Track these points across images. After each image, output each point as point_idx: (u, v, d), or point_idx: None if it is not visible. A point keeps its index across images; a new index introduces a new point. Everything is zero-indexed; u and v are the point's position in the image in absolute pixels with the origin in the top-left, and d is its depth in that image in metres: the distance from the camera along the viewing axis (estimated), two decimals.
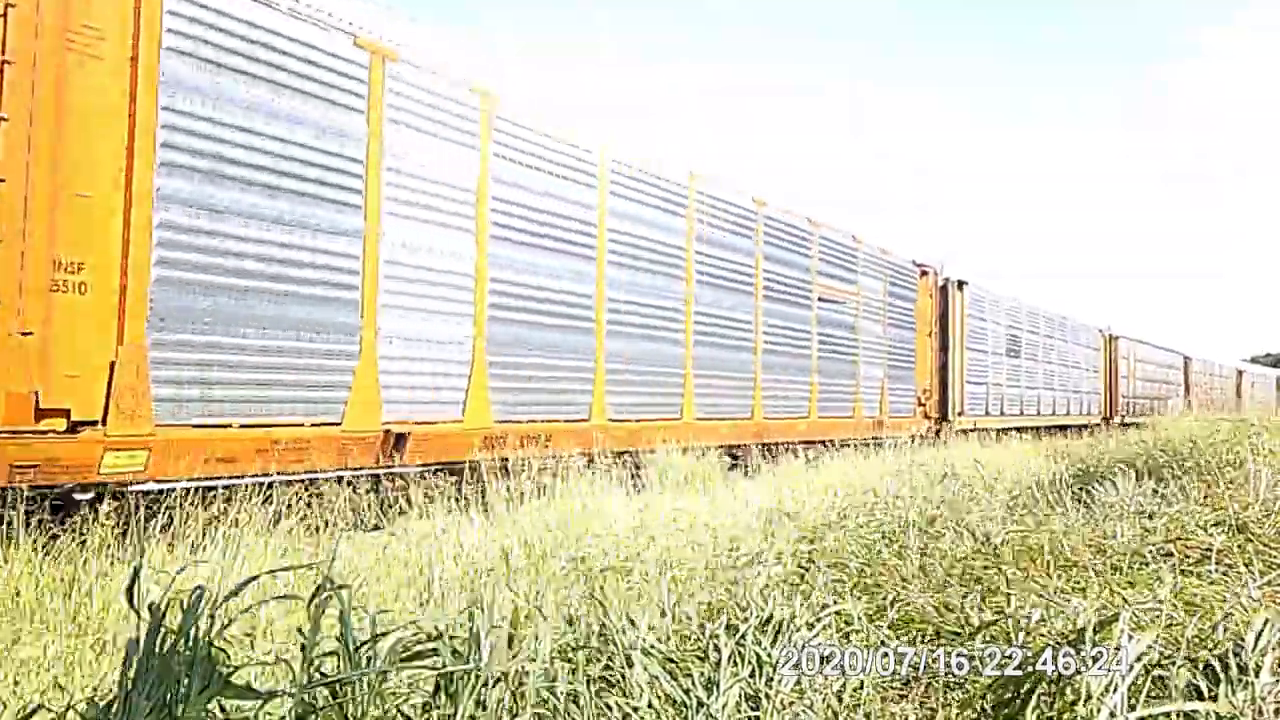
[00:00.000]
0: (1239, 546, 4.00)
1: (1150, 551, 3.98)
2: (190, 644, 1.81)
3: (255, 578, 2.30)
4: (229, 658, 1.95)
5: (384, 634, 2.18)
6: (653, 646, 2.58)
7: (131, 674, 1.77)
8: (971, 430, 18.20)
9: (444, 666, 2.11)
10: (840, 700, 2.52)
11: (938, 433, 16.28)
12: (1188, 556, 3.88)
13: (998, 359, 19.65)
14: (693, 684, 2.45)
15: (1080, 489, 6.26)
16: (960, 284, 17.70)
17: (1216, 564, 3.74)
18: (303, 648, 1.92)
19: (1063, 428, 23.33)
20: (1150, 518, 4.75)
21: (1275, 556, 3.90)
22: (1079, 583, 3.60)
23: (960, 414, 17.51)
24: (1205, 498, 5.23)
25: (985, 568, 3.80)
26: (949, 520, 4.82)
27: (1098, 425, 27.48)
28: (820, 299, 12.37)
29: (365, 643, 2.08)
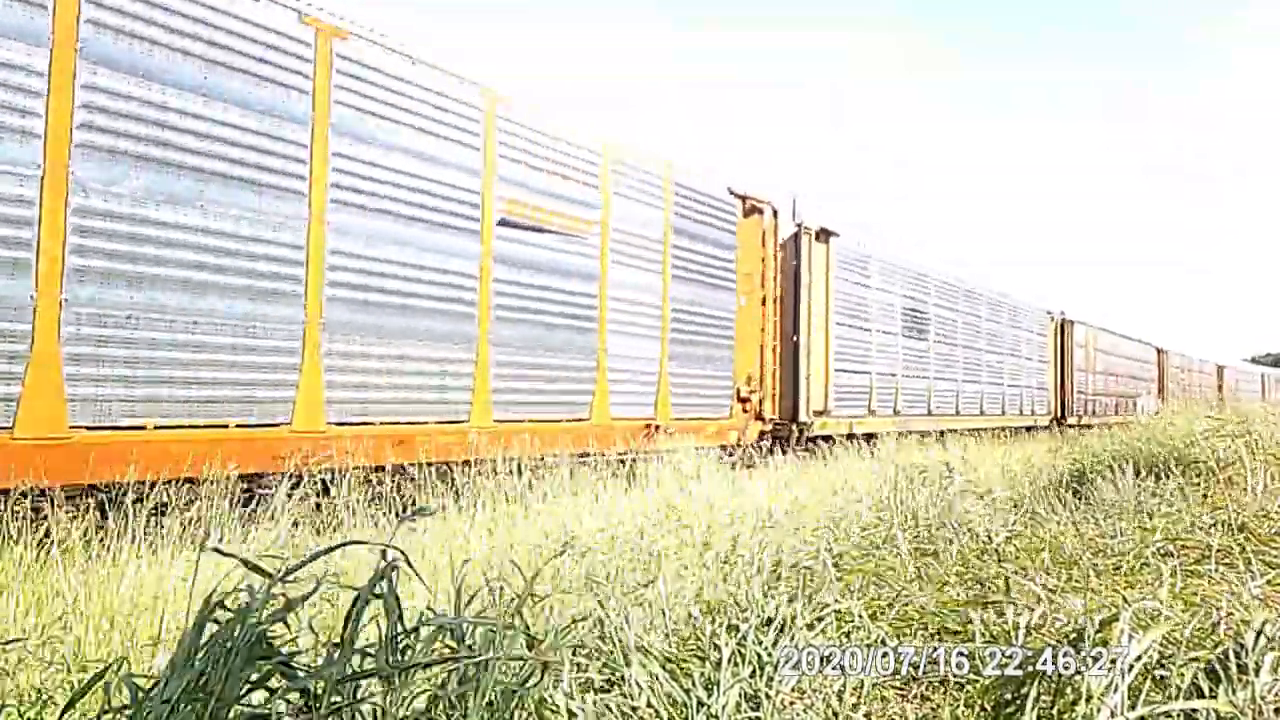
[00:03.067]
0: (1239, 546, 4.06)
1: (1151, 552, 4.06)
2: (244, 626, 1.79)
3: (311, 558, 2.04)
4: (272, 645, 1.84)
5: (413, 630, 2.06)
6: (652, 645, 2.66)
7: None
8: (847, 436, 13.18)
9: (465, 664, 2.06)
10: (840, 700, 2.58)
11: (776, 441, 11.23)
12: (1187, 556, 3.93)
13: (889, 340, 14.68)
14: (693, 683, 2.52)
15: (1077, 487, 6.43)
16: (824, 234, 12.72)
17: (1216, 564, 3.79)
18: (342, 639, 1.88)
19: (997, 431, 18.45)
20: (1150, 516, 4.85)
21: (1275, 556, 3.99)
22: (1078, 583, 3.65)
23: (823, 413, 12.48)
24: (1204, 498, 5.30)
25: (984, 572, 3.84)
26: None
27: (1045, 428, 22.56)
28: (506, 220, 7.35)
29: (409, 632, 2.01)
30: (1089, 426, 25.55)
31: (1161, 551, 4.04)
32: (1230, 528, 4.40)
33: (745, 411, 10.84)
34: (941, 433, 16.35)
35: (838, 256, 13.12)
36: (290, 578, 1.89)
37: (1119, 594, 3.22)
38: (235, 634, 1.78)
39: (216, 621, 1.81)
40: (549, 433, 7.70)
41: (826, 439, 12.78)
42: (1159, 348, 34.44)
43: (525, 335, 7.67)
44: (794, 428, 11.97)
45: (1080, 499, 5.95)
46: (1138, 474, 6.16)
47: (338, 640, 1.88)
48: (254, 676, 1.80)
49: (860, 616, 3.12)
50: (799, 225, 12.23)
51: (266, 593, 1.84)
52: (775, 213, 11.66)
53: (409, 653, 1.99)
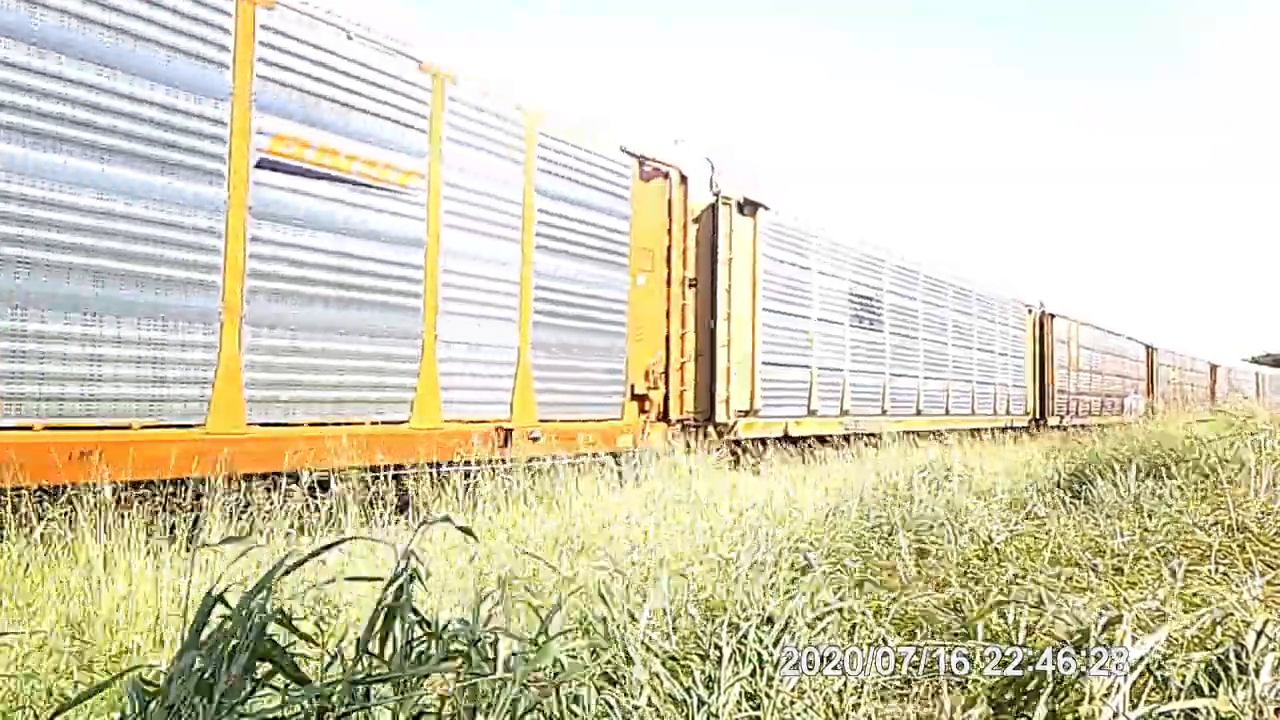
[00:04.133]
0: (1239, 546, 4.07)
1: (1151, 552, 4.05)
2: (248, 622, 1.80)
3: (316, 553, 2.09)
4: (276, 645, 1.86)
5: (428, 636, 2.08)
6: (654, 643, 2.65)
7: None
8: (784, 439, 11.46)
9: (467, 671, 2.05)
10: (841, 700, 2.57)
11: (689, 447, 9.49)
12: (1187, 556, 3.88)
13: (834, 330, 12.95)
14: (694, 682, 2.51)
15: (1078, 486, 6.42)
16: (749, 206, 10.99)
17: (1216, 564, 3.80)
18: (358, 642, 1.91)
19: (967, 433, 16.80)
20: (1150, 516, 4.86)
21: (1275, 556, 4.00)
22: (1080, 583, 3.64)
23: (749, 413, 10.74)
24: (1204, 498, 5.27)
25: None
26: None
27: (1023, 429, 20.87)
28: (269, 161, 5.58)
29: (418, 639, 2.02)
30: (1073, 427, 23.96)
31: (1162, 552, 4.05)
32: (1231, 528, 4.41)
33: (644, 412, 9.09)
34: (902, 435, 14.63)
35: (768, 232, 11.37)
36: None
37: (1119, 595, 3.24)
38: (237, 633, 1.76)
39: (224, 615, 1.80)
40: (339, 439, 5.91)
41: (757, 442, 11.05)
42: (1148, 344, 32.80)
43: (306, 314, 5.91)
44: (711, 430, 10.22)
45: (1080, 499, 5.89)
46: (1138, 474, 6.03)
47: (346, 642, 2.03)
48: (258, 675, 1.79)
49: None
50: (717, 194, 10.48)
51: (267, 587, 1.83)
52: (684, 179, 9.92)
53: (422, 659, 1.97)
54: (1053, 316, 23.09)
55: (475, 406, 7.14)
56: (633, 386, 8.92)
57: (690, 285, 10.25)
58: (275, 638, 1.82)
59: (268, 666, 1.81)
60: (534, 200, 7.82)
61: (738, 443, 10.47)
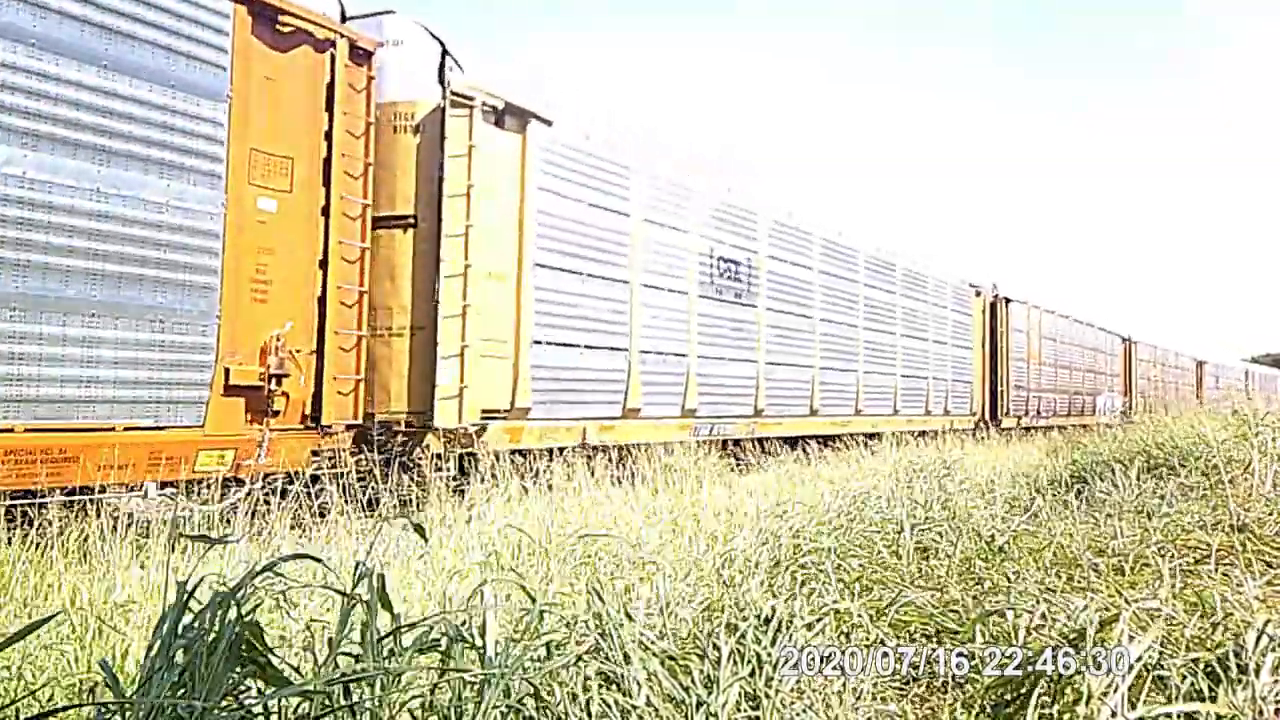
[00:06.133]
0: (1240, 546, 4.10)
1: (1151, 552, 4.04)
2: (220, 625, 1.81)
3: (294, 556, 2.27)
4: (256, 644, 1.86)
5: (409, 626, 2.16)
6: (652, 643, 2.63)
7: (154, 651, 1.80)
8: (581, 449, 8.12)
9: (453, 664, 2.12)
10: (840, 700, 2.56)
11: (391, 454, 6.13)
12: (1188, 557, 3.95)
13: (672, 301, 9.55)
14: (692, 682, 2.47)
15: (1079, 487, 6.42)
16: (515, 115, 7.59)
17: (1216, 564, 3.82)
18: (329, 640, 1.98)
19: (888, 437, 13.50)
20: (1150, 517, 4.87)
21: (1275, 556, 4.05)
22: (1080, 583, 3.68)
23: (510, 414, 7.40)
24: (1203, 497, 5.29)
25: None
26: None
27: (970, 431, 17.42)
28: None
29: (387, 635, 2.05)
30: (1035, 429, 20.57)
31: (1162, 552, 4.03)
32: (1232, 528, 4.46)
33: (264, 414, 5.67)
34: (788, 441, 11.24)
35: (545, 156, 7.94)
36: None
37: (1119, 594, 3.27)
38: (217, 628, 1.77)
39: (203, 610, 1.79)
40: None
41: (532, 454, 7.59)
42: (1125, 337, 29.36)
43: None
44: (430, 440, 6.82)
45: (1080, 499, 5.81)
46: (1137, 475, 6.07)
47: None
48: (239, 671, 1.79)
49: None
50: (448, 90, 7.04)
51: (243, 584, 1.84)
52: (365, 55, 6.49)
53: (396, 657, 1.99)
54: (1008, 301, 19.75)
55: None
56: (228, 372, 5.49)
57: (394, 225, 6.84)
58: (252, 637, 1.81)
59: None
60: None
61: (473, 458, 7.02)
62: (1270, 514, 4.63)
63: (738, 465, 10.11)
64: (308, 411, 5.97)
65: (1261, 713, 2.26)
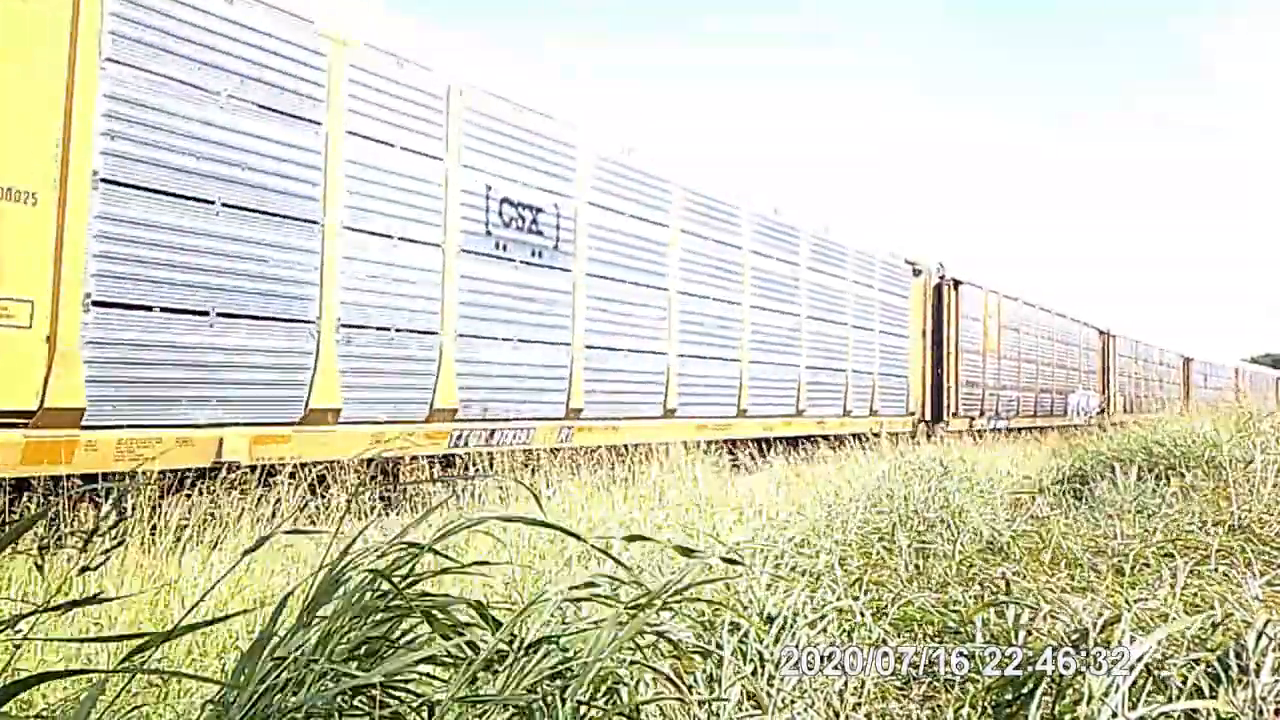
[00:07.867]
0: (1240, 546, 4.14)
1: (1151, 552, 4.13)
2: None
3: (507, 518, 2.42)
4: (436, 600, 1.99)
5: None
6: None
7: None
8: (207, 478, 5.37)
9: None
10: (841, 699, 2.59)
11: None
12: (1189, 557, 3.93)
13: (425, 259, 6.74)
14: (694, 681, 2.47)
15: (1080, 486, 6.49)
16: None
17: (1217, 565, 3.85)
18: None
19: (786, 444, 10.86)
20: (1149, 517, 4.90)
21: (1275, 556, 4.09)
22: (1080, 583, 3.75)
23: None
24: (1204, 497, 5.32)
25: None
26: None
27: (907, 434, 14.58)
28: None
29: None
30: (991, 432, 17.89)
31: (1162, 552, 4.07)
32: (1233, 528, 4.47)
33: None
34: (617, 450, 8.53)
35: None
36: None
37: (1120, 594, 3.28)
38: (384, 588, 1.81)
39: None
40: None
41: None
42: (1102, 330, 26.50)
43: None
44: None
45: (1080, 499, 5.86)
46: (1138, 475, 6.01)
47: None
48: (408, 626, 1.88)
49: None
50: None
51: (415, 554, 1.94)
52: None
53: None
54: (958, 284, 16.92)
55: None
56: None
57: None
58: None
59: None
60: None
61: None
62: (1271, 514, 4.71)
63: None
64: None
65: (1261, 712, 2.25)
